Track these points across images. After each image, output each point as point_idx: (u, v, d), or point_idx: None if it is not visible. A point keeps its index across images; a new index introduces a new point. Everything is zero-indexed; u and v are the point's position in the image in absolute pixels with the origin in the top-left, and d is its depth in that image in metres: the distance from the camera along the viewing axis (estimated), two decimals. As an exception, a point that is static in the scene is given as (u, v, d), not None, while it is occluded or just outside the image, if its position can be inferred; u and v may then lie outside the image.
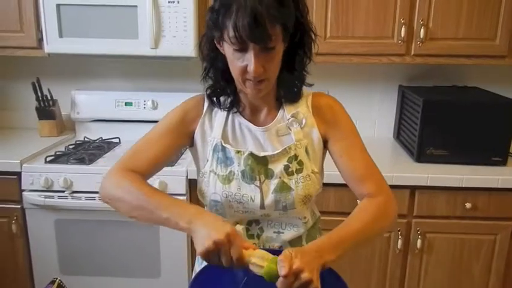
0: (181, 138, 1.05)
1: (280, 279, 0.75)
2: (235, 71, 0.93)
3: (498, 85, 2.26)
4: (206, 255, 0.80)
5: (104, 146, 2.17)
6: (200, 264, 1.11)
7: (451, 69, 2.30)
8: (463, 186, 1.82)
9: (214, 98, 1.04)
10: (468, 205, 1.84)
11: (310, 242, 0.87)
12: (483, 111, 1.89)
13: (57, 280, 0.88)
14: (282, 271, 0.75)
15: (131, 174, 0.97)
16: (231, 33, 0.85)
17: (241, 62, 0.90)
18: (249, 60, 0.88)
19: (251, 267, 0.80)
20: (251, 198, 1.00)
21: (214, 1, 0.89)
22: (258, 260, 0.79)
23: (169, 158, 1.05)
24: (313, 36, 0.99)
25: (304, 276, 0.75)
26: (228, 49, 0.91)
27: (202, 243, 0.80)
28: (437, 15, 1.93)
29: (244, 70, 0.90)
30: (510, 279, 1.95)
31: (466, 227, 1.88)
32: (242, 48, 0.88)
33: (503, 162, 1.91)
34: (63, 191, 1.88)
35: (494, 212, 1.86)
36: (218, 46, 0.95)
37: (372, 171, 1.02)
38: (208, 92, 1.04)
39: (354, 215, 0.94)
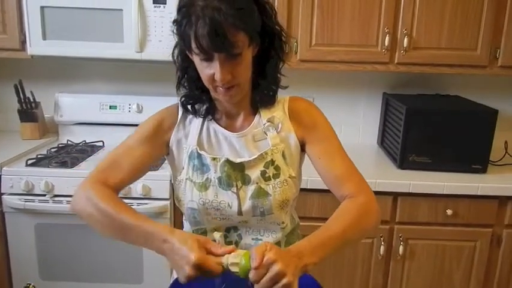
0: (157, 148, 1.04)
1: (252, 271, 0.74)
2: (205, 80, 0.93)
3: (479, 94, 2.31)
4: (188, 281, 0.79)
5: (87, 150, 2.14)
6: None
7: (433, 78, 2.34)
8: (445, 193, 1.84)
9: (189, 106, 1.03)
10: (449, 212, 1.86)
11: (290, 246, 0.84)
12: (464, 119, 1.92)
13: (31, 286, 0.85)
14: (253, 263, 0.73)
15: (103, 188, 0.94)
16: (193, 44, 0.85)
17: (209, 70, 0.90)
18: (216, 68, 0.88)
19: (230, 268, 0.78)
20: (228, 204, 0.99)
21: (177, 13, 0.89)
22: (235, 259, 0.78)
23: (145, 168, 1.03)
24: (283, 38, 0.98)
25: (276, 268, 0.72)
26: (195, 58, 0.91)
27: (179, 276, 0.80)
28: (421, 25, 1.97)
29: (213, 78, 0.90)
30: (490, 285, 1.98)
31: (447, 233, 1.91)
32: (208, 57, 0.88)
33: (483, 170, 1.95)
34: (44, 195, 1.85)
35: (474, 218, 1.89)
36: (189, 55, 0.94)
37: (351, 171, 1.00)
38: (182, 100, 1.03)
39: (335, 217, 0.92)
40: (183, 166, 1.03)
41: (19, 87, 2.21)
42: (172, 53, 0.99)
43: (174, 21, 0.90)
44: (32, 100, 2.27)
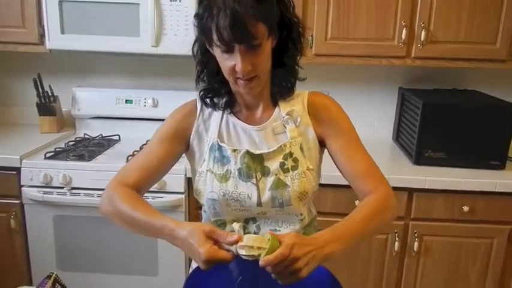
0: (176, 148, 1.06)
1: (276, 254, 0.76)
2: (225, 71, 0.95)
3: (498, 89, 2.27)
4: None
5: (103, 143, 2.17)
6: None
7: (451, 72, 2.30)
8: (461, 189, 1.82)
9: (208, 100, 1.05)
10: (466, 208, 1.84)
11: (315, 233, 0.88)
12: (482, 114, 1.89)
13: (54, 275, 0.87)
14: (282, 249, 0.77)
15: (125, 189, 0.99)
16: (215, 35, 0.88)
17: (229, 62, 0.91)
18: (236, 59, 0.90)
19: (240, 253, 0.80)
20: (248, 195, 1.01)
21: (198, 6, 0.92)
22: (247, 245, 0.79)
23: (165, 168, 1.07)
24: (301, 30, 1.00)
25: (297, 265, 0.77)
26: (216, 51, 0.93)
27: (199, 263, 0.83)
28: (439, 18, 1.93)
29: (234, 70, 0.92)
30: (506, 283, 1.96)
31: (463, 230, 1.89)
32: (229, 49, 0.90)
33: (502, 166, 1.91)
34: (62, 187, 1.89)
35: (491, 215, 1.86)
36: (210, 49, 0.96)
37: (370, 168, 1.03)
38: (201, 94, 1.06)
39: (357, 211, 0.96)
40: (204, 158, 1.05)
41: (38, 81, 2.25)
42: (192, 48, 1.02)
43: (196, 15, 0.93)
44: (50, 94, 2.31)
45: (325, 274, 0.86)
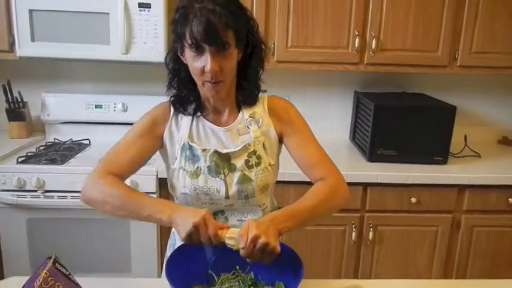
0: (152, 141, 1.17)
1: (241, 250, 0.91)
2: (195, 74, 1.06)
3: (442, 92, 2.50)
4: (189, 238, 0.93)
5: (74, 148, 2.22)
6: (172, 250, 1.23)
7: (401, 77, 2.51)
8: (409, 182, 2.02)
9: (178, 105, 1.17)
10: (413, 200, 2.04)
11: (270, 214, 1.02)
12: (427, 115, 2.10)
13: (54, 256, 0.97)
14: (241, 244, 0.91)
15: (110, 177, 1.08)
16: (188, 38, 1.00)
17: (199, 64, 1.03)
18: (206, 61, 1.02)
19: (227, 242, 0.94)
20: (217, 190, 1.14)
21: (175, 13, 1.04)
22: (232, 237, 0.94)
23: (144, 159, 1.17)
24: (263, 47, 1.14)
25: (261, 241, 0.89)
26: (188, 54, 1.05)
27: (184, 229, 0.93)
28: (387, 28, 2.14)
29: (203, 71, 1.03)
30: (451, 264, 2.18)
31: (412, 219, 2.09)
32: (200, 51, 1.02)
33: (444, 161, 2.13)
34: (36, 191, 1.94)
35: (436, 205, 2.07)
36: (181, 57, 1.09)
37: (323, 158, 1.18)
38: (172, 100, 1.17)
39: (308, 194, 1.09)
40: (176, 156, 1.16)
41: (7, 87, 2.27)
42: (165, 58, 1.14)
43: (172, 21, 1.05)
44: (19, 100, 2.34)
45: (289, 252, 1.01)
